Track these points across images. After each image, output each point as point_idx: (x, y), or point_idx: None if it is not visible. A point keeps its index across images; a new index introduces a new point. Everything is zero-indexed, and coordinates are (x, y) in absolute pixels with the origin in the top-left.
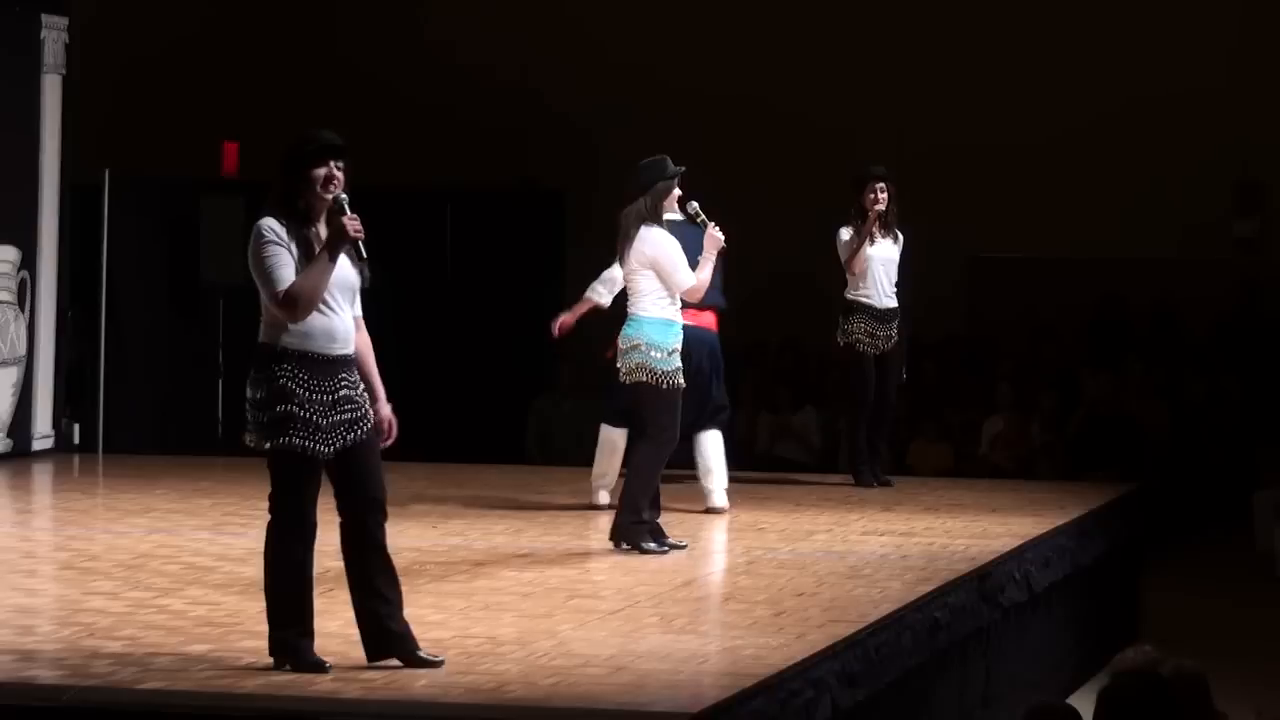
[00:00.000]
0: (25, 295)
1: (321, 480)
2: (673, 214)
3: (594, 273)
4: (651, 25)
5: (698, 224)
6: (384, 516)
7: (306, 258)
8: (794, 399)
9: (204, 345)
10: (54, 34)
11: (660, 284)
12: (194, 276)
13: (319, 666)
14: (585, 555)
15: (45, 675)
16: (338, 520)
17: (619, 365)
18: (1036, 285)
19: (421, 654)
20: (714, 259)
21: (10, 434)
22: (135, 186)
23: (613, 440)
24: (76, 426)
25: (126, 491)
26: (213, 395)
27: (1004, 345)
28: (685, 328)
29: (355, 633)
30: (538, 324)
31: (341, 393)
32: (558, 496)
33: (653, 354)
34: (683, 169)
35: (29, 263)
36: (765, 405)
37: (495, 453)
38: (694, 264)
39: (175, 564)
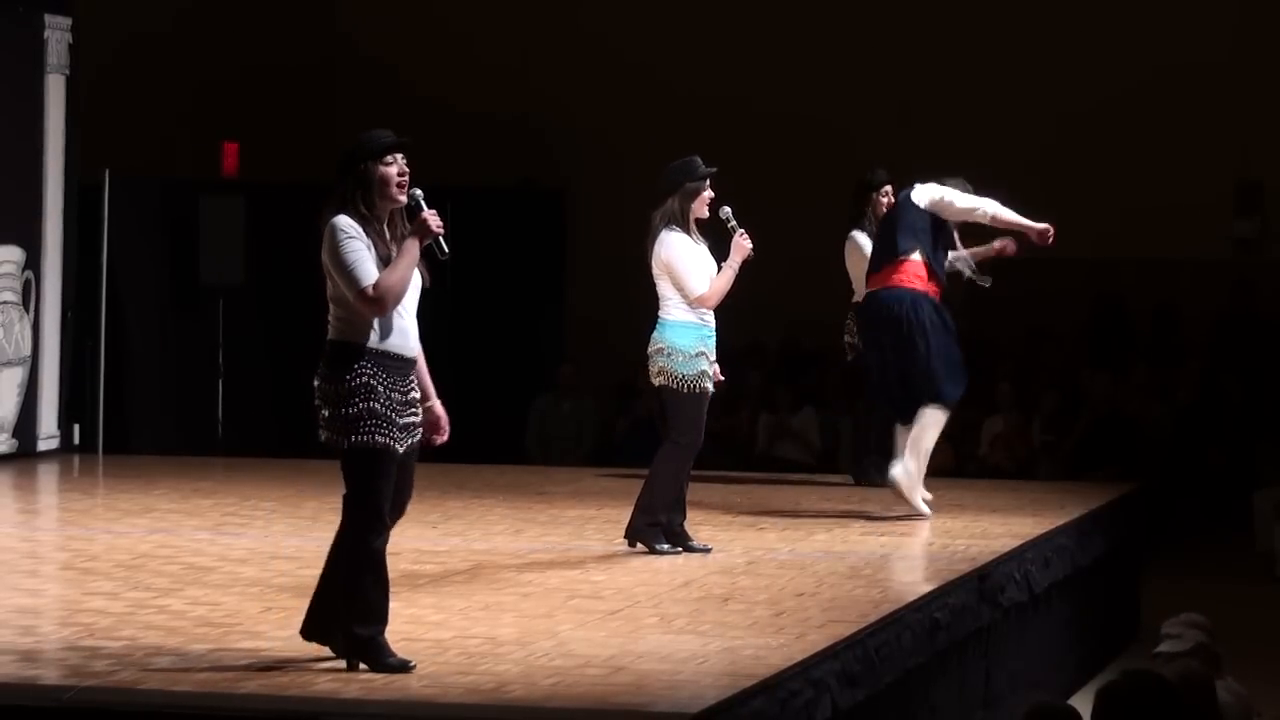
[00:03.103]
0: (30, 295)
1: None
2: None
3: (594, 273)
4: (654, 25)
5: (729, 229)
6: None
7: (378, 256)
8: (794, 399)
9: (204, 345)
10: (57, 34)
11: None
12: (194, 276)
13: (403, 666)
14: (585, 555)
15: (46, 675)
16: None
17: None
18: (1036, 285)
19: None
20: (737, 267)
21: (16, 434)
22: (135, 186)
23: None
24: (76, 426)
25: (126, 491)
26: (213, 395)
27: (1004, 345)
28: (883, 292)
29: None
30: (538, 323)
31: (411, 394)
32: (558, 496)
33: (675, 358)
34: (712, 170)
35: (33, 263)
36: (765, 405)
37: (495, 453)
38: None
39: (175, 564)
